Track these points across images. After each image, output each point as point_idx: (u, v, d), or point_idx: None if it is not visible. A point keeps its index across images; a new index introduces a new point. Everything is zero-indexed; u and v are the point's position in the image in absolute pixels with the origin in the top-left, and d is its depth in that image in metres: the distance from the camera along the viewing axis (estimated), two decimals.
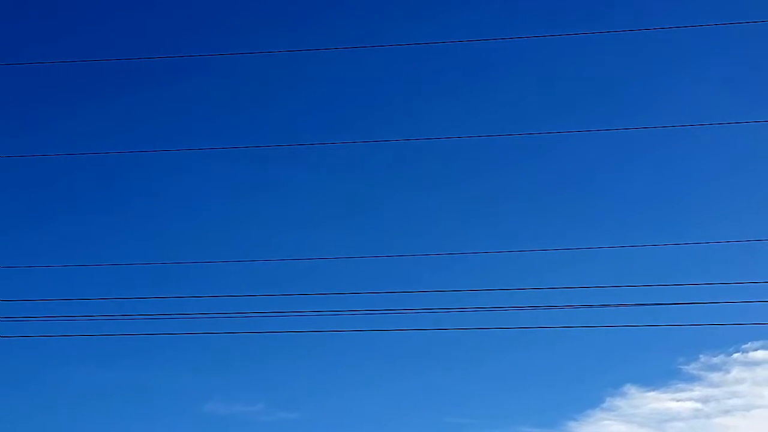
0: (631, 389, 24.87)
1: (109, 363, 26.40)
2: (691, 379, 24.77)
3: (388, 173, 28.25)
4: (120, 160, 23.58)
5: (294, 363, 26.82)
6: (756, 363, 24.73)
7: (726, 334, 25.02)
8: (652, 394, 24.83)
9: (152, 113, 29.08)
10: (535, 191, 27.89)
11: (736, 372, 24.73)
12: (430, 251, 21.39)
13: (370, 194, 28.72)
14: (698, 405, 24.63)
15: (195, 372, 26.91)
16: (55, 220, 28.49)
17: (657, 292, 18.18)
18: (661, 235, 23.39)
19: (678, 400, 24.66)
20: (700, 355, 25.02)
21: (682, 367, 24.92)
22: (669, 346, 25.03)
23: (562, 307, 18.17)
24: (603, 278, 18.09)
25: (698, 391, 24.66)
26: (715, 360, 24.96)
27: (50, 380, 26.10)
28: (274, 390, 26.39)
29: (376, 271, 22.83)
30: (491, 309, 18.11)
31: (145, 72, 26.96)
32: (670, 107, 26.84)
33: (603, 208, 28.02)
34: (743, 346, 24.98)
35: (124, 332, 19.64)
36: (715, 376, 24.78)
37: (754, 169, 26.97)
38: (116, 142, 26.94)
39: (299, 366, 26.85)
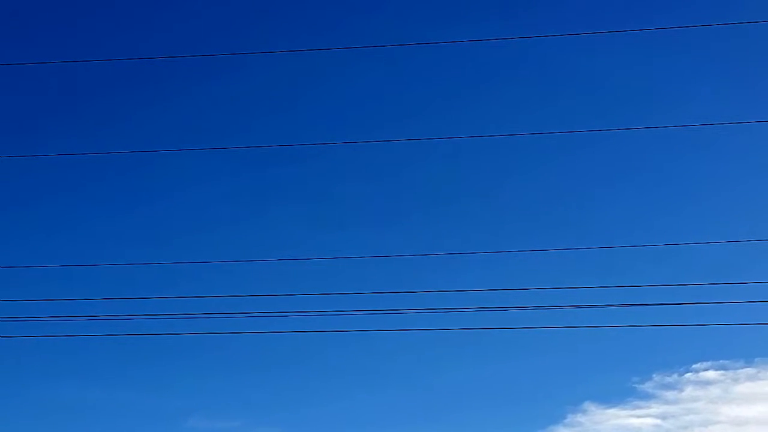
0: (590, 406, 25.59)
1: (91, 380, 26.66)
2: (647, 397, 25.59)
3: (388, 173, 28.29)
4: (120, 160, 23.60)
5: (274, 378, 27.26)
6: (708, 382, 25.66)
7: (676, 355, 25.89)
8: (611, 411, 25.58)
9: (152, 113, 29.15)
10: (534, 191, 27.99)
11: (689, 390, 25.64)
12: (431, 251, 21.45)
13: (371, 194, 28.77)
14: (658, 421, 25.40)
15: (176, 388, 27.14)
16: (56, 220, 28.54)
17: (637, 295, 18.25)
18: (661, 236, 23.42)
19: (638, 417, 25.45)
20: (654, 375, 25.85)
21: (636, 385, 25.74)
22: (623, 365, 25.92)
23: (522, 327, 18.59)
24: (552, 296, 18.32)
25: (655, 408, 25.47)
26: (669, 379, 25.83)
27: (33, 397, 26.13)
28: (254, 406, 26.65)
29: (376, 272, 22.94)
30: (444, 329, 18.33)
31: (145, 72, 27.00)
32: (671, 107, 26.88)
33: (603, 208, 28.09)
34: (693, 366, 25.90)
35: (123, 332, 19.67)
36: (669, 395, 25.62)
37: (754, 169, 27.06)
38: (116, 142, 27.01)
39: (279, 381, 27.28)
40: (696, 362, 25.82)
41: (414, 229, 27.52)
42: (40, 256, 25.11)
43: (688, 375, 25.82)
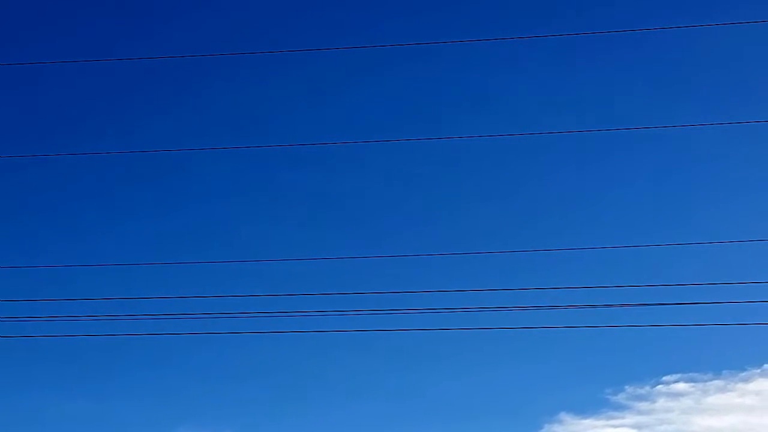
0: (566, 417, 25.87)
1: (78, 391, 26.64)
2: (621, 407, 26.02)
3: (388, 173, 28.28)
4: (120, 159, 23.60)
5: (267, 386, 27.21)
6: (679, 394, 26.16)
7: (647, 367, 26.42)
8: (587, 421, 25.95)
9: (152, 113, 29.13)
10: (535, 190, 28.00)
11: (662, 402, 26.14)
12: (430, 251, 21.46)
13: (371, 194, 28.76)
14: (634, 431, 25.98)
15: (165, 398, 27.15)
16: (55, 220, 28.52)
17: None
18: (661, 237, 23.46)
19: (614, 427, 25.92)
20: (626, 386, 26.26)
21: (610, 397, 26.17)
22: (596, 377, 26.39)
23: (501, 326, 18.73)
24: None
25: (630, 418, 25.92)
26: (641, 391, 26.28)
27: (19, 407, 26.11)
28: (243, 416, 26.64)
29: (377, 272, 22.94)
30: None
31: (145, 72, 26.99)
32: (670, 107, 26.85)
33: (602, 209, 28.09)
34: (664, 378, 26.38)
35: (124, 332, 19.68)
36: (642, 405, 26.06)
37: (754, 169, 27.05)
38: (116, 141, 27.01)
39: (272, 389, 27.24)
40: (666, 374, 26.43)
41: (414, 229, 27.58)
42: (40, 256, 25.18)
43: (659, 387, 26.40)
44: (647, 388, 26.28)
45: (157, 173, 28.02)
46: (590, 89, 28.23)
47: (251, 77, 28.59)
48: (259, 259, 22.27)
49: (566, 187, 27.68)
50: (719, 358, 25.95)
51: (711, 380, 25.99)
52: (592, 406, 25.96)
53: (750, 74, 27.09)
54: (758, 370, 25.76)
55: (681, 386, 26.14)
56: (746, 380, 25.80)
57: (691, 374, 26.17)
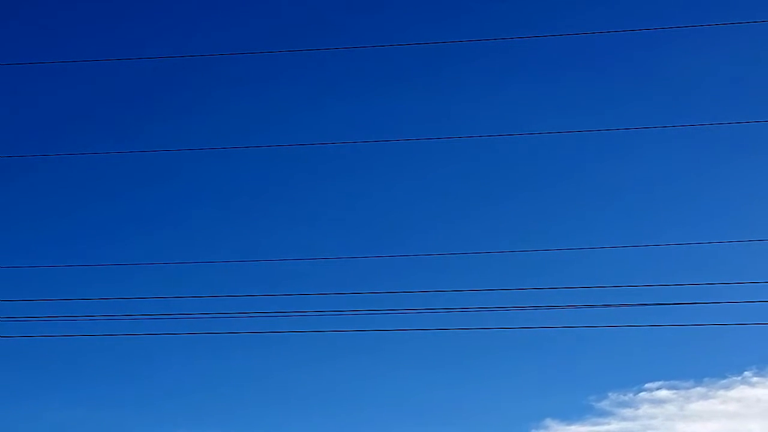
0: (552, 423, 26.08)
1: (70, 400, 26.66)
2: (605, 414, 26.33)
3: (388, 173, 28.30)
4: (120, 160, 23.60)
5: (262, 388, 27.40)
6: (662, 401, 26.46)
7: (629, 374, 26.71)
8: (572, 427, 26.18)
9: (152, 114, 29.14)
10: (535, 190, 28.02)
11: (645, 408, 26.43)
12: (430, 251, 21.48)
13: (371, 194, 28.77)
14: None
15: (165, 398, 27.19)
16: (55, 220, 28.52)
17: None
18: (661, 237, 23.51)
19: None
20: (609, 393, 26.58)
21: (594, 403, 26.45)
22: (579, 384, 26.67)
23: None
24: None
25: (615, 424, 26.24)
26: (625, 398, 26.61)
27: (13, 417, 26.12)
28: (243, 417, 26.72)
29: (377, 271, 22.96)
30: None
31: (145, 72, 27.01)
32: (670, 107, 26.85)
33: (602, 209, 28.12)
34: (646, 385, 26.63)
35: (123, 333, 19.68)
36: (626, 412, 26.39)
37: (754, 169, 27.08)
38: (116, 142, 27.01)
39: (268, 391, 27.39)
40: (648, 381, 26.67)
41: (414, 230, 27.61)
42: (40, 256, 25.18)
43: (642, 394, 26.66)
44: (630, 395, 26.65)
45: (157, 173, 28.05)
46: (588, 89, 28.35)
47: (251, 77, 28.65)
48: (259, 259, 22.28)
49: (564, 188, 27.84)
50: (700, 365, 26.39)
51: (693, 387, 26.35)
52: (576, 412, 26.32)
53: (751, 74, 27.17)
54: (739, 378, 26.23)
55: (664, 393, 26.51)
56: (727, 387, 26.20)
57: (672, 381, 26.52)
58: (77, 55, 25.80)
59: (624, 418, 26.19)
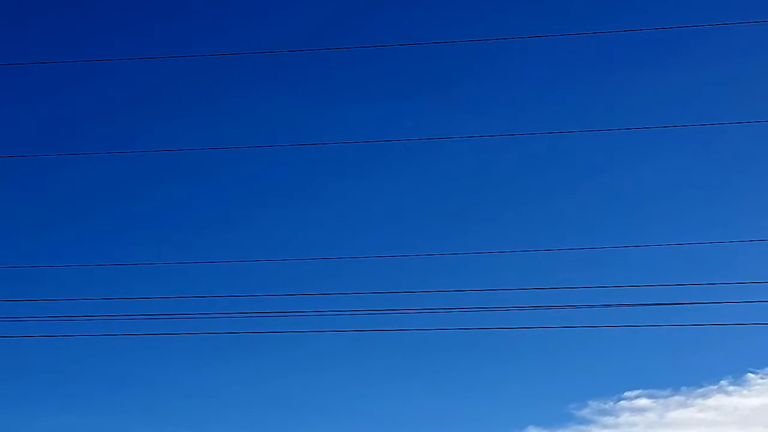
0: (534, 430, 26.50)
1: (66, 406, 26.72)
2: (586, 422, 26.78)
3: (387, 173, 28.32)
4: (120, 160, 23.60)
5: (263, 388, 27.40)
6: (642, 409, 26.88)
7: (608, 383, 27.17)
8: None
9: (152, 114, 29.15)
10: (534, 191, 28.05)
11: (626, 416, 26.88)
12: (430, 251, 21.48)
13: (371, 194, 28.79)
14: None
15: (165, 398, 27.27)
16: (55, 220, 28.54)
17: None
18: (661, 236, 23.53)
19: None
20: (589, 401, 26.95)
21: (574, 412, 26.81)
22: (560, 392, 26.95)
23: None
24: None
25: None
26: (605, 406, 27.06)
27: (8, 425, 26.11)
28: (243, 419, 26.83)
29: (376, 271, 22.97)
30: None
31: (145, 72, 27.02)
32: (670, 107, 26.88)
33: (602, 208, 28.15)
34: (625, 394, 27.06)
35: (124, 332, 19.69)
36: (607, 420, 26.85)
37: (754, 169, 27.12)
38: (116, 142, 27.03)
39: (268, 390, 27.42)
40: (627, 390, 27.07)
41: (414, 229, 27.63)
42: (40, 256, 25.19)
43: (622, 402, 27.06)
44: (610, 403, 27.04)
45: (158, 173, 28.09)
46: (590, 88, 28.38)
47: (251, 77, 28.66)
48: (260, 259, 22.28)
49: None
50: (677, 374, 26.84)
51: (671, 396, 26.78)
52: (558, 420, 26.62)
53: (749, 74, 27.19)
54: (715, 387, 26.76)
55: (643, 402, 26.91)
56: (705, 396, 26.67)
57: (650, 390, 26.91)
58: (77, 56, 25.83)
59: (605, 426, 26.70)
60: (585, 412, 26.60)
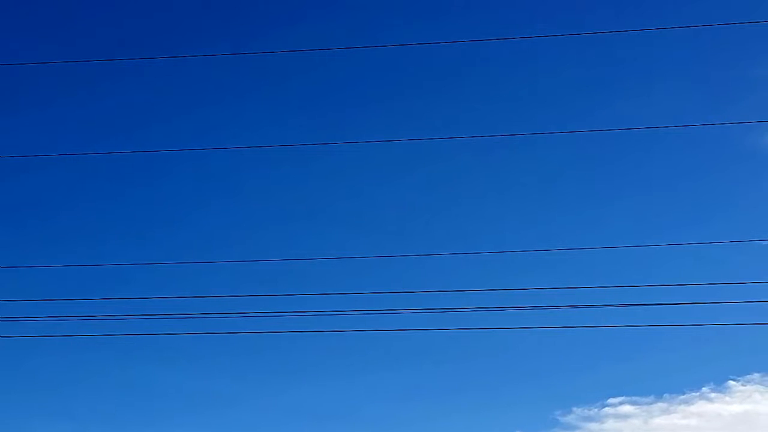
0: None
1: (60, 415, 26.54)
2: (572, 428, 26.92)
3: (387, 173, 28.32)
4: (121, 160, 23.60)
5: (262, 389, 27.40)
6: (626, 415, 27.07)
7: (592, 390, 27.34)
8: None
9: (153, 114, 29.14)
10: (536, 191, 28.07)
11: (611, 423, 27.06)
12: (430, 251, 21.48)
13: (371, 194, 28.79)
14: None
15: (165, 398, 27.25)
16: (55, 220, 28.53)
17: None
18: (661, 236, 23.54)
19: None
20: (574, 408, 27.02)
21: (559, 418, 26.90)
22: (544, 399, 27.06)
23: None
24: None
25: None
26: (589, 413, 27.15)
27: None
28: (242, 419, 26.79)
29: (376, 271, 22.97)
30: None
31: (145, 72, 27.01)
32: (670, 107, 26.88)
33: (602, 208, 28.16)
34: (609, 401, 27.21)
35: (121, 333, 19.69)
36: (592, 426, 27.02)
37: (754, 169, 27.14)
38: (117, 142, 27.02)
39: (267, 391, 27.39)
40: (610, 397, 27.20)
41: (414, 229, 27.64)
42: (40, 256, 25.19)
43: (606, 409, 27.21)
44: (595, 410, 27.15)
45: (158, 174, 28.08)
46: (590, 88, 28.38)
47: (251, 77, 28.66)
48: (260, 259, 22.28)
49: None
50: (659, 382, 26.98)
51: (654, 402, 26.99)
52: (544, 426, 26.76)
53: (749, 74, 27.20)
54: (697, 393, 26.97)
55: (627, 408, 27.13)
56: (687, 402, 26.91)
57: (633, 397, 27.10)
58: (77, 55, 25.83)
59: None
60: (570, 419, 26.81)
